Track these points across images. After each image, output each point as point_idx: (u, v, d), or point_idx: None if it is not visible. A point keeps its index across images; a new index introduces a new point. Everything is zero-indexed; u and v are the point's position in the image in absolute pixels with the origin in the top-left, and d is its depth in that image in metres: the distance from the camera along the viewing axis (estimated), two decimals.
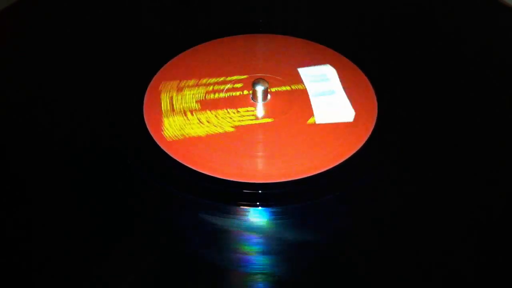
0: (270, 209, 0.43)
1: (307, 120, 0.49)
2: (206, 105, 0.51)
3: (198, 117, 0.49)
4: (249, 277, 0.39)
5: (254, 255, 0.40)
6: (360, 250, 0.41)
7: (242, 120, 0.49)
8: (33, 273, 0.39)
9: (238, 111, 0.50)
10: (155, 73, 0.55)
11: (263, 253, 0.41)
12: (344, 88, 0.51)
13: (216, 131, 0.48)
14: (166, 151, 0.47)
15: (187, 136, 0.47)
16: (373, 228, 0.42)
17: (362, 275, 0.40)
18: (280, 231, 0.42)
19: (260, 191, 0.44)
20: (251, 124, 0.49)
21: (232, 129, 0.49)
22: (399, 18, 0.63)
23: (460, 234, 0.42)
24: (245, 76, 0.54)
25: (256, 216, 0.43)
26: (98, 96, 0.52)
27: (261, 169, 0.46)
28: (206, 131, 0.48)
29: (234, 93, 0.52)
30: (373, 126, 0.49)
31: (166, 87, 0.51)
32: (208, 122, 0.49)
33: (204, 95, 0.51)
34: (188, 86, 0.51)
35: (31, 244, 0.41)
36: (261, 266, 0.39)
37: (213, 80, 0.53)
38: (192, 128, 0.48)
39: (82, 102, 0.52)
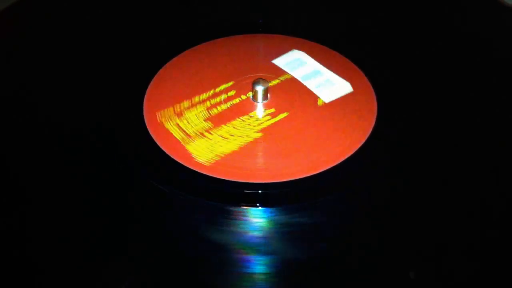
0: (269, 209, 0.43)
1: (315, 106, 0.50)
2: (216, 120, 0.50)
3: (219, 133, 0.48)
4: (249, 278, 0.39)
5: (254, 255, 0.40)
6: (360, 250, 0.41)
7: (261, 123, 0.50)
8: (32, 273, 0.39)
9: (251, 116, 0.50)
10: (155, 73, 0.55)
11: (263, 253, 0.41)
12: (323, 65, 0.52)
13: (246, 141, 0.48)
14: (166, 152, 0.47)
15: (222, 155, 0.46)
16: (373, 228, 0.42)
17: (362, 275, 0.40)
18: (279, 231, 0.42)
19: (260, 191, 0.44)
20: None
21: (259, 134, 0.48)
22: (399, 18, 0.63)
23: (460, 234, 0.42)
24: (231, 83, 0.53)
25: (256, 216, 0.43)
26: (98, 96, 0.52)
27: (260, 169, 0.46)
28: (238, 144, 0.47)
29: (233, 101, 0.52)
30: (373, 126, 0.49)
31: (164, 116, 0.49)
32: (231, 135, 0.48)
33: (207, 112, 0.50)
34: (185, 108, 0.50)
35: (30, 244, 0.41)
36: (261, 266, 0.40)
37: (204, 95, 0.52)
38: (221, 146, 0.47)
39: (82, 102, 0.52)
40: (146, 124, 0.49)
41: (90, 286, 0.39)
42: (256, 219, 0.43)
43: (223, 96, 0.52)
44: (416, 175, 0.46)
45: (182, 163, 0.46)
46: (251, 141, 0.48)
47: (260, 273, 0.39)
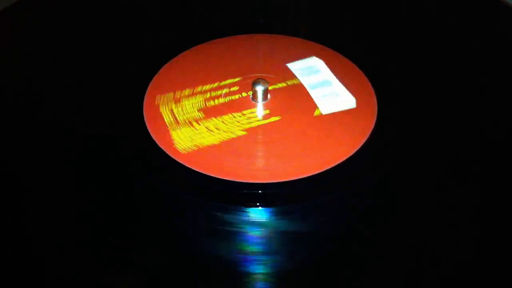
0: (270, 209, 0.43)
1: (313, 113, 0.50)
2: (209, 112, 0.50)
3: (206, 125, 0.49)
4: (249, 277, 0.39)
5: (254, 254, 0.40)
6: (359, 250, 0.41)
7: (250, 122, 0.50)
8: (32, 274, 0.39)
9: (243, 114, 0.50)
10: (155, 73, 0.55)
11: (263, 253, 0.41)
12: (337, 76, 0.52)
13: (229, 137, 0.48)
14: (166, 152, 0.47)
15: (200, 146, 0.47)
16: (373, 228, 0.42)
17: (362, 275, 0.40)
18: (280, 231, 0.42)
19: (260, 191, 0.44)
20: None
21: (244, 132, 0.48)
22: (399, 18, 0.63)
23: (460, 234, 0.42)
24: (238, 79, 0.54)
25: (256, 216, 0.43)
26: (98, 96, 0.52)
27: (261, 169, 0.46)
28: (219, 138, 0.48)
29: (233, 97, 0.52)
30: (373, 126, 0.49)
31: (163, 100, 0.50)
32: (217, 129, 0.48)
33: (203, 102, 0.51)
34: (185, 96, 0.51)
35: (31, 245, 0.41)
36: (261, 266, 0.40)
37: (207, 87, 0.52)
38: (203, 137, 0.48)
39: (82, 102, 0.52)
40: (146, 124, 0.49)
41: (90, 286, 0.39)
42: (256, 220, 0.43)
43: (224, 90, 0.52)
44: (416, 175, 0.46)
45: (183, 162, 0.46)
46: (233, 138, 0.48)
47: (260, 273, 0.39)
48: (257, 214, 0.43)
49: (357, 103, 0.51)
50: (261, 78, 0.51)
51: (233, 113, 0.50)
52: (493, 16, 0.63)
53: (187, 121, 0.49)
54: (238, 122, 0.49)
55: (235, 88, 0.53)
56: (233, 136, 0.48)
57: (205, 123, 0.49)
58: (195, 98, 0.50)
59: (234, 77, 0.54)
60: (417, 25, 0.62)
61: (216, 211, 0.43)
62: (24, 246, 0.41)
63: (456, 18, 0.63)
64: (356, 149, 0.47)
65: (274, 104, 0.51)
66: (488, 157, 0.47)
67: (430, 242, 0.41)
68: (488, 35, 0.60)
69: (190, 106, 0.50)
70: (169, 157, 0.46)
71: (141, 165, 0.46)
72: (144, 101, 0.52)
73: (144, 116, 0.50)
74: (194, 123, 0.49)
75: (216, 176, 0.45)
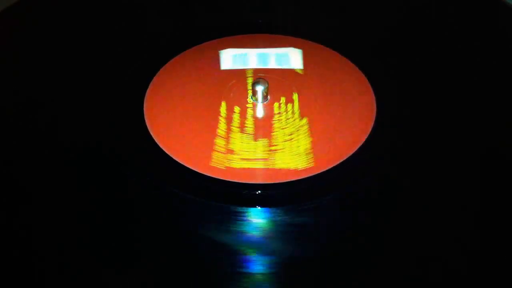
0: (269, 210, 0.43)
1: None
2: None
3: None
4: (249, 278, 0.39)
5: (254, 255, 0.40)
6: (359, 250, 0.41)
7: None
8: (32, 274, 0.39)
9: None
10: (155, 73, 0.55)
11: (263, 253, 0.41)
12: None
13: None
14: (166, 152, 0.47)
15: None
16: (373, 228, 0.42)
17: (362, 275, 0.40)
18: (279, 231, 0.42)
19: (259, 191, 0.44)
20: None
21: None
22: (399, 18, 0.63)
23: (461, 234, 0.42)
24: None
25: (256, 217, 0.43)
26: (98, 96, 0.52)
27: (259, 169, 0.46)
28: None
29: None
30: (372, 126, 0.49)
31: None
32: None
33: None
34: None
35: (30, 246, 0.41)
36: (261, 267, 0.40)
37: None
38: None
39: (82, 102, 0.52)
40: (146, 124, 0.49)
41: (90, 286, 0.39)
42: (256, 220, 0.43)
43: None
44: (416, 175, 0.46)
45: (182, 163, 0.46)
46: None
47: (260, 273, 0.39)
48: (256, 214, 0.43)
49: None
50: (261, 78, 0.51)
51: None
52: (493, 16, 0.63)
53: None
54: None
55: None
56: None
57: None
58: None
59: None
60: (417, 25, 0.62)
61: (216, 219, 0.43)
62: (24, 246, 0.41)
63: (456, 18, 0.63)
64: (355, 150, 0.47)
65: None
66: (488, 157, 0.47)
67: (430, 242, 0.41)
68: (488, 35, 0.60)
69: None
70: (169, 157, 0.47)
71: (141, 165, 0.46)
72: (144, 101, 0.52)
73: (144, 116, 0.50)
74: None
75: (216, 177, 0.45)
